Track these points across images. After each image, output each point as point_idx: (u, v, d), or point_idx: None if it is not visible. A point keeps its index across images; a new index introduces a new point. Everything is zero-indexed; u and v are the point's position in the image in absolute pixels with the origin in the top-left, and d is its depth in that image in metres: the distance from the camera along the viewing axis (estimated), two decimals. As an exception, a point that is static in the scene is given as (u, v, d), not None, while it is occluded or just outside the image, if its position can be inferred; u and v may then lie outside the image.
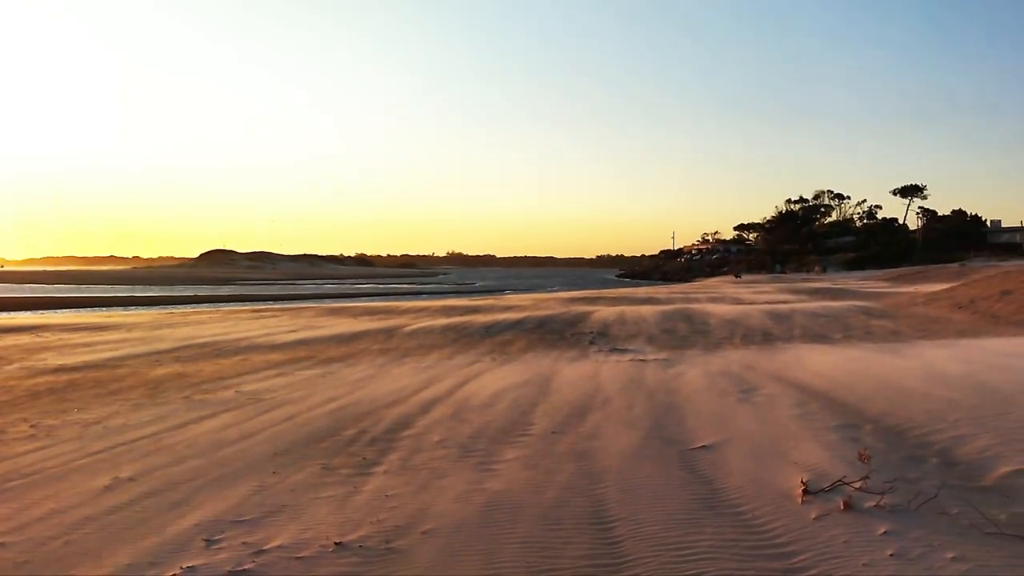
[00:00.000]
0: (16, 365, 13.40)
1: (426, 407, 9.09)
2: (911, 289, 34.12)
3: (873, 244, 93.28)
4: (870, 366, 11.28)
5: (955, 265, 60.07)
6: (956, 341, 14.02)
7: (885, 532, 4.82)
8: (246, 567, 4.49)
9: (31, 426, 8.42)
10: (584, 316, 20.43)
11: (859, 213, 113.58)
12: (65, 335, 19.07)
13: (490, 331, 17.61)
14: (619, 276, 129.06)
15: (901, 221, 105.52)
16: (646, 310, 21.89)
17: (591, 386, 10.26)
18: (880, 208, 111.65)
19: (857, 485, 5.55)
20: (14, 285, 76.59)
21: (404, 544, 4.82)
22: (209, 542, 4.89)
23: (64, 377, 11.95)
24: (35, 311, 37.07)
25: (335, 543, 4.82)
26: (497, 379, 11.03)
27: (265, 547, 4.78)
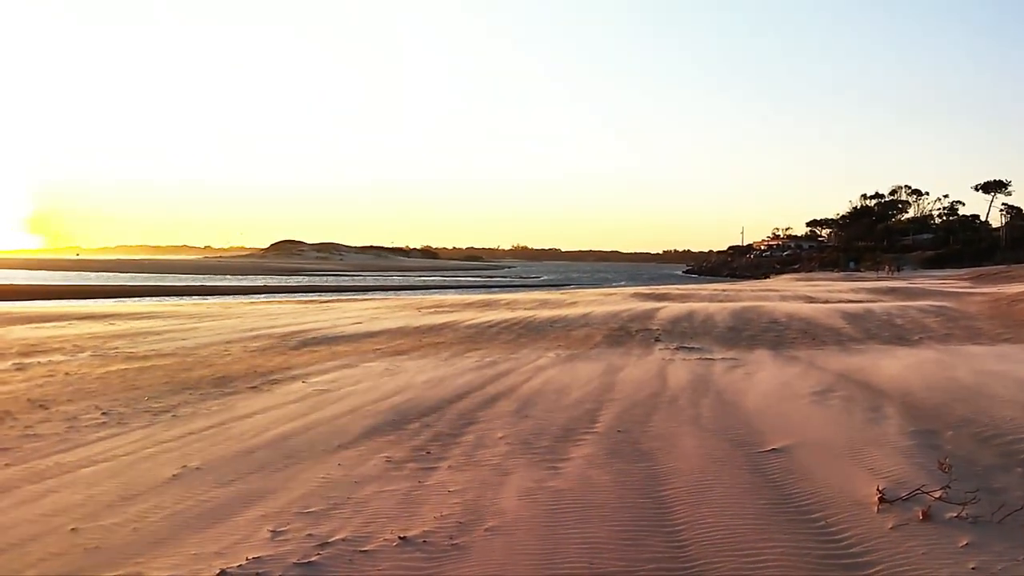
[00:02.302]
0: (88, 353, 13.84)
1: (490, 402, 9.09)
2: (994, 289, 32.77)
3: (953, 242, 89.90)
4: (949, 369, 10.84)
5: (1041, 265, 57.40)
6: (1043, 345, 13.39)
7: (967, 544, 4.63)
8: (311, 559, 4.53)
9: (102, 413, 8.66)
10: (650, 313, 20.18)
11: (938, 209, 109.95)
12: (136, 323, 19.67)
13: (554, 327, 17.53)
14: (686, 272, 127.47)
15: (983, 218, 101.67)
16: (714, 307, 21.50)
17: (657, 385, 10.11)
18: (962, 204, 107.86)
19: (937, 494, 5.32)
20: (89, 273, 79.24)
21: (468, 541, 4.81)
22: (275, 533, 4.96)
23: (135, 365, 12.27)
24: (108, 299, 38.29)
25: (399, 537, 4.84)
26: (561, 376, 10.96)
27: (330, 540, 4.83)
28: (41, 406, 9.02)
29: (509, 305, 25.20)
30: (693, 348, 13.93)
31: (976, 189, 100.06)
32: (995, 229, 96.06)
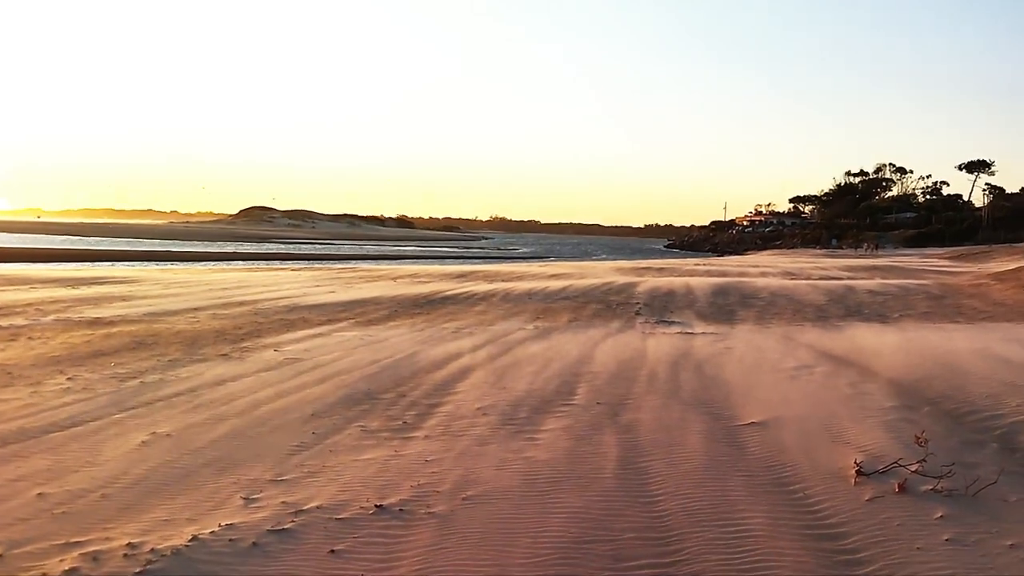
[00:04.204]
0: (52, 317, 13.57)
1: (467, 373, 9.03)
2: (974, 268, 33.07)
3: (935, 221, 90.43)
4: (928, 346, 10.90)
5: (1022, 245, 57.86)
6: (1021, 324, 13.50)
7: (941, 517, 4.67)
8: (286, 526, 4.48)
9: (68, 379, 8.48)
10: (631, 286, 20.17)
11: (922, 188, 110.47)
12: (102, 288, 19.32)
13: (533, 298, 17.48)
14: (667, 246, 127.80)
15: (966, 198, 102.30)
16: (695, 282, 21.53)
17: (637, 358, 10.09)
18: (946, 184, 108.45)
19: (913, 468, 5.35)
20: (51, 237, 77.43)
21: (445, 509, 4.77)
22: (248, 500, 4.90)
23: (101, 331, 12.03)
24: (72, 263, 37.57)
25: (376, 506, 4.80)
26: (540, 348, 10.91)
27: (304, 507, 4.78)
28: (3, 371, 8.82)
29: (487, 277, 25.11)
30: (674, 322, 13.93)
31: (960, 169, 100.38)
32: (977, 209, 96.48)
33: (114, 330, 12.12)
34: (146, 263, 41.22)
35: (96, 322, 13.00)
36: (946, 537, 4.38)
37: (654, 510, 4.79)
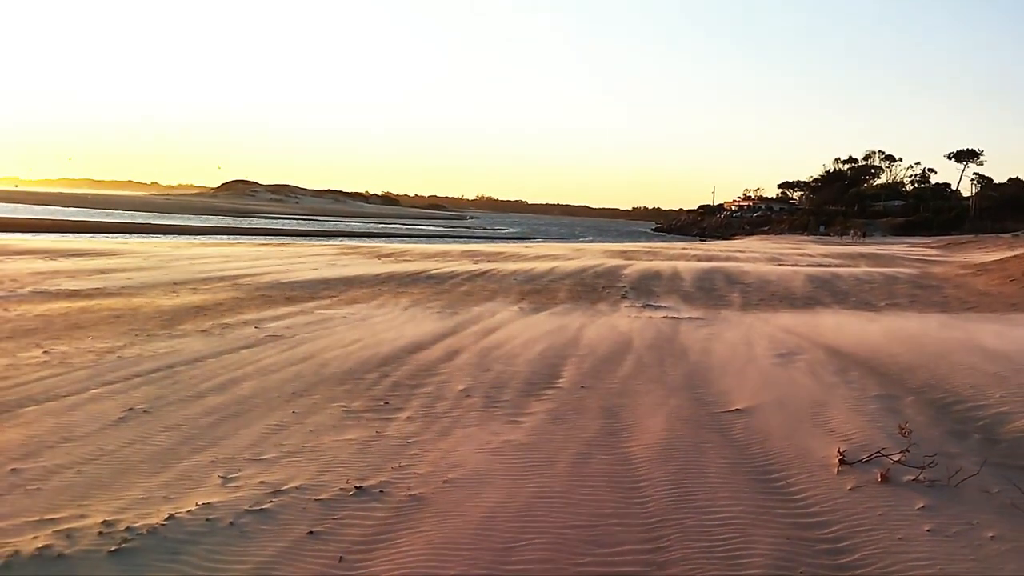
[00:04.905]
0: (29, 289, 13.39)
1: (451, 354, 8.97)
2: (961, 258, 33.22)
3: (923, 209, 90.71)
4: (914, 336, 10.92)
5: (1008, 235, 58.17)
6: (1007, 315, 13.55)
7: (923, 507, 4.66)
8: (264, 507, 4.43)
9: (44, 352, 8.36)
10: (617, 269, 20.15)
11: (911, 176, 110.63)
12: (80, 261, 19.07)
13: (519, 280, 17.43)
14: (655, 230, 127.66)
15: (955, 187, 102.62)
16: (682, 266, 21.53)
17: (622, 342, 10.06)
18: (934, 172, 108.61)
19: (896, 458, 5.35)
20: (28, 207, 75.88)
21: (426, 492, 4.73)
22: (226, 480, 4.84)
23: (78, 304, 11.85)
24: (49, 234, 36.97)
25: (356, 487, 4.75)
26: (525, 329, 10.87)
27: (283, 487, 4.72)
28: (-23, 344, 8.64)
29: (473, 256, 25.03)
30: (660, 306, 13.91)
31: (948, 158, 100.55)
32: (965, 198, 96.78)
33: (92, 303, 11.94)
34: (126, 235, 40.65)
35: (74, 294, 12.83)
36: (928, 528, 4.38)
37: (636, 496, 4.76)
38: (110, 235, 39.78)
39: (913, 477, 5.11)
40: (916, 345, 10.04)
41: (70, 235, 37.20)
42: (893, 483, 5.04)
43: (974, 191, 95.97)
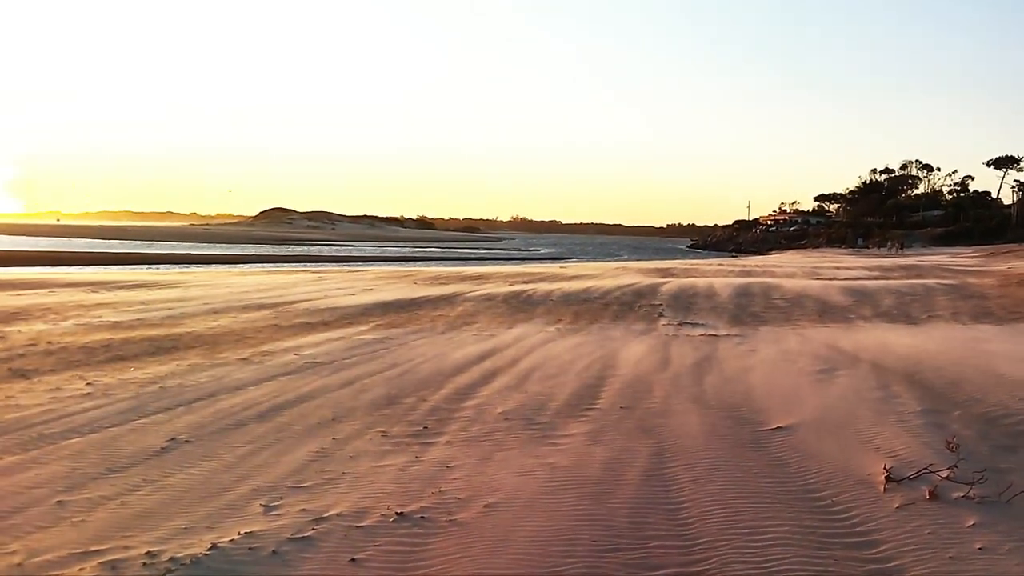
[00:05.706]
0: (72, 321, 13.57)
1: (488, 377, 8.98)
2: (1005, 268, 32.50)
3: (963, 219, 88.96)
4: (958, 348, 10.70)
5: (1054, 244, 56.76)
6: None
7: (973, 525, 4.55)
8: (306, 534, 4.45)
9: (87, 384, 8.47)
10: (654, 288, 20.03)
11: (949, 185, 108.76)
12: (121, 292, 19.34)
13: (556, 300, 17.39)
14: (690, 246, 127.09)
15: (995, 195, 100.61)
16: (718, 283, 21.34)
17: (660, 361, 9.99)
18: (972, 179, 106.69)
19: (944, 474, 5.23)
20: (70, 239, 77.87)
21: (466, 517, 4.72)
22: (268, 508, 4.87)
23: (120, 335, 11.99)
24: (90, 267, 37.72)
25: (396, 513, 4.75)
26: (562, 351, 10.84)
27: (325, 515, 4.74)
28: (22, 376, 8.83)
29: (508, 278, 25.04)
30: (697, 324, 13.80)
31: (987, 165, 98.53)
32: (1006, 206, 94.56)
33: (134, 334, 12.10)
34: (165, 266, 41.49)
35: (116, 326, 13.02)
36: (979, 546, 4.27)
37: (679, 517, 4.71)
38: (150, 266, 40.56)
39: (962, 494, 4.99)
40: (960, 357, 9.84)
41: (111, 267, 37.97)
42: (942, 500, 4.93)
43: (1015, 198, 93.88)
